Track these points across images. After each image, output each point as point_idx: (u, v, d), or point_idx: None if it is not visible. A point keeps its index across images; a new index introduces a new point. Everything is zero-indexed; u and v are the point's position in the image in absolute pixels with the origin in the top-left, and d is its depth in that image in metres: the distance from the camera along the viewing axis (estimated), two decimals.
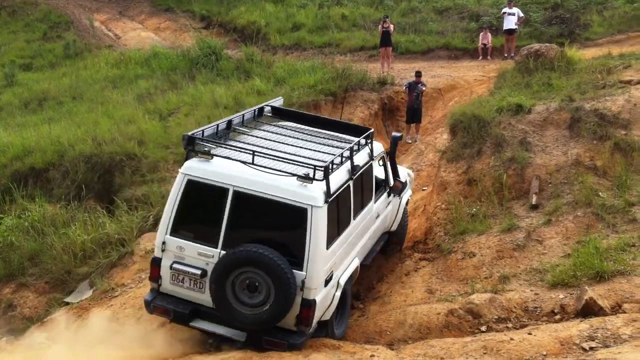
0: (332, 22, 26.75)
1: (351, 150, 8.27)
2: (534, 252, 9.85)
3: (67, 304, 10.86)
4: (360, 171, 8.59)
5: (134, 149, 14.30)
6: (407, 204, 11.33)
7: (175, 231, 7.70)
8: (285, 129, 9.33)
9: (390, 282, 10.39)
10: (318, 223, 7.30)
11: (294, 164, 7.58)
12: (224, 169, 7.61)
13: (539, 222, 10.39)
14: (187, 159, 7.84)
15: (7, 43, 27.91)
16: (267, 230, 7.61)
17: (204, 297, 7.63)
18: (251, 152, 7.52)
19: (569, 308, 8.34)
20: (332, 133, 9.47)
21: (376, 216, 9.61)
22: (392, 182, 10.31)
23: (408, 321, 8.73)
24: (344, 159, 8.04)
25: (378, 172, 9.83)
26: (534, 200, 10.90)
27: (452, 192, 11.80)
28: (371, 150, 9.30)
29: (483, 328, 8.39)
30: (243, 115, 9.20)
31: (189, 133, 7.83)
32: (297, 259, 7.32)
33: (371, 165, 9.27)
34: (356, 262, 8.61)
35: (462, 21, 25.30)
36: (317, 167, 7.34)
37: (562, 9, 23.57)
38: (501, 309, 8.63)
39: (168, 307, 7.77)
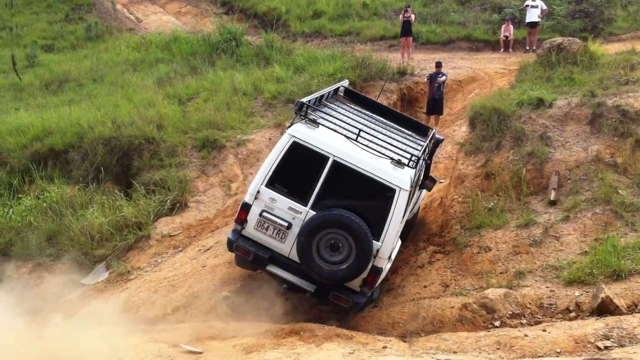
0: (353, 11, 26.58)
1: (426, 147, 9.45)
2: (551, 248, 9.78)
3: (83, 285, 10.97)
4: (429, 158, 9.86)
5: (152, 132, 14.38)
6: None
7: (271, 184, 8.45)
8: (360, 112, 10.36)
9: (404, 274, 10.38)
10: (401, 203, 8.25)
11: (386, 149, 8.51)
12: (328, 139, 8.44)
13: (556, 218, 10.32)
14: (292, 122, 8.73)
15: (29, 24, 28.06)
16: (355, 201, 8.35)
17: (283, 247, 8.47)
18: (356, 130, 8.46)
19: (585, 306, 8.29)
20: (399, 125, 10.53)
21: (413, 205, 10.41)
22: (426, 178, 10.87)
23: (421, 314, 8.74)
24: (423, 153, 9.10)
25: None
26: (552, 196, 10.81)
27: (470, 185, 11.73)
28: (430, 145, 10.16)
29: (497, 323, 8.38)
30: (329, 92, 10.18)
31: (303, 100, 8.68)
32: (376, 230, 8.20)
33: (431, 155, 10.42)
34: (399, 242, 9.40)
35: (484, 12, 25.01)
36: (412, 157, 8.35)
37: (586, 2, 23.19)
38: (516, 305, 8.61)
39: (249, 249, 8.53)
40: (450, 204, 11.73)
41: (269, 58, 19.60)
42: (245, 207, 8.56)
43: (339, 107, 10.04)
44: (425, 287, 9.80)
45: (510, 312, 8.49)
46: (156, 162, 13.84)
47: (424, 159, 9.48)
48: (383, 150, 8.46)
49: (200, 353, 7.49)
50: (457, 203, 11.57)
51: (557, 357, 6.93)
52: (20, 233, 12.07)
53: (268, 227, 8.48)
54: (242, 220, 8.60)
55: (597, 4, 22.77)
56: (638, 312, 7.88)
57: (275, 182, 8.47)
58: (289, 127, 8.67)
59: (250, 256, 8.59)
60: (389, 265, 8.85)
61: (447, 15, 24.97)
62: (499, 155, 11.87)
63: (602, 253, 9.02)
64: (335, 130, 8.57)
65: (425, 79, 16.81)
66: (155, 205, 12.50)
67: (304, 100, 8.70)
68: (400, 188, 8.23)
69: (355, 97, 11.23)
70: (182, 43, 21.94)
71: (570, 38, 15.82)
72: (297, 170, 8.48)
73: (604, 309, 7.99)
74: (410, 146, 9.30)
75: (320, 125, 8.57)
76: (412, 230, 11.57)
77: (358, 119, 9.73)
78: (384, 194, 8.25)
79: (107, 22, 27.42)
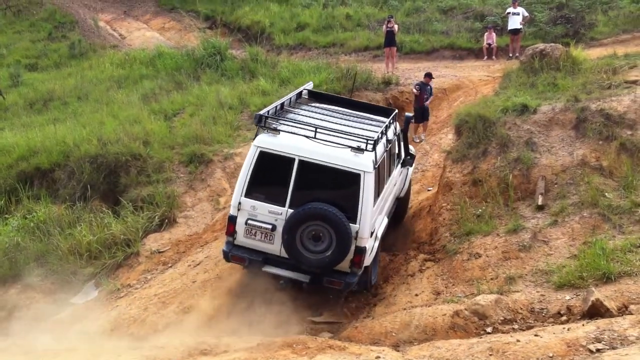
0: (337, 22, 26.73)
1: (386, 127, 10.11)
2: (540, 253, 9.82)
3: (73, 304, 10.88)
4: (390, 144, 10.39)
5: (139, 149, 14.34)
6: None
7: (249, 193, 9.15)
8: (324, 109, 10.95)
9: (395, 283, 10.37)
10: (368, 185, 8.93)
11: (344, 139, 9.14)
12: (290, 142, 9.12)
13: (545, 223, 10.37)
14: (257, 134, 9.28)
15: (13, 43, 27.98)
16: (326, 192, 9.10)
17: (273, 247, 9.20)
18: (313, 129, 9.10)
19: (576, 309, 8.32)
20: (363, 113, 11.21)
21: (394, 183, 11.16)
22: (403, 155, 11.78)
23: (414, 322, 8.71)
24: (382, 135, 9.69)
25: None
26: (539, 200, 10.87)
27: (458, 192, 11.77)
28: (396, 127, 10.96)
29: (489, 329, 8.38)
30: (290, 98, 10.80)
31: (260, 112, 9.35)
32: (351, 214, 8.89)
33: (397, 137, 11.05)
34: (386, 220, 10.33)
35: (467, 21, 25.24)
36: (368, 141, 8.97)
37: (567, 8, 23.49)
38: (507, 310, 8.62)
39: (244, 256, 9.29)
40: (438, 212, 11.76)
41: (254, 71, 19.64)
42: (232, 220, 9.25)
43: (301, 109, 10.64)
44: (416, 295, 9.80)
45: (502, 318, 8.49)
46: (143, 179, 13.79)
47: (387, 139, 10.17)
48: (343, 141, 9.08)
49: None
50: (445, 210, 11.60)
51: None
52: (8, 254, 11.95)
53: (255, 232, 9.20)
54: (231, 232, 9.30)
55: (578, 9, 23.07)
56: (629, 314, 7.90)
57: (252, 191, 9.15)
58: (254, 139, 9.27)
59: (246, 262, 9.33)
60: (376, 244, 9.58)
61: (430, 24, 25.18)
62: (486, 161, 11.93)
63: (591, 256, 9.06)
64: (295, 133, 9.20)
65: (415, 89, 16.79)
66: (144, 222, 12.44)
67: (261, 112, 9.38)
68: (364, 172, 8.91)
69: (320, 97, 11.96)
70: (166, 58, 21.96)
71: (553, 44, 15.96)
72: (270, 176, 9.21)
73: (595, 311, 8.02)
74: (371, 130, 9.89)
75: (281, 132, 9.23)
76: (406, 209, 12.44)
77: (319, 116, 10.29)
78: (350, 180, 8.93)
79: (90, 40, 27.39)
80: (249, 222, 9.15)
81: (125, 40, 29.27)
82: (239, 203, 9.17)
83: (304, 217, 8.84)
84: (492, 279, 9.58)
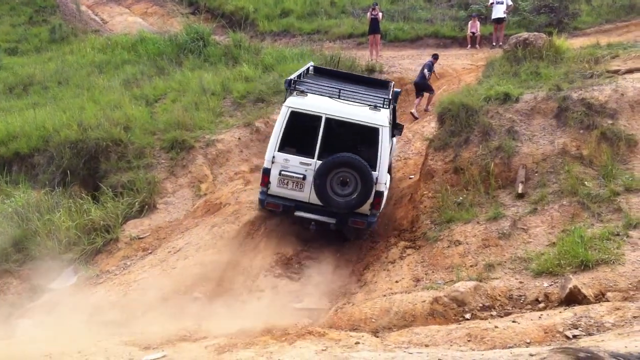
0: (321, 9, 26.61)
1: (391, 94, 11.57)
2: (519, 240, 9.88)
3: (52, 290, 10.79)
4: (393, 109, 11.72)
5: (119, 134, 14.23)
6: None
7: (282, 148, 10.38)
8: (332, 79, 12.26)
9: (375, 269, 10.39)
10: (385, 138, 10.28)
11: (363, 100, 10.61)
12: (317, 102, 10.44)
13: (524, 211, 10.42)
14: (286, 97, 10.67)
15: None
16: (349, 144, 10.36)
17: (303, 195, 10.50)
18: (337, 91, 10.63)
19: (553, 296, 8.38)
20: (365, 84, 12.51)
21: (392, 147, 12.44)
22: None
23: (393, 309, 8.73)
24: (389, 99, 10.91)
25: None
26: (520, 189, 10.92)
27: (439, 180, 11.80)
28: (394, 96, 11.90)
29: (467, 316, 8.42)
30: (303, 71, 12.22)
31: (290, 77, 10.85)
32: (372, 163, 10.20)
33: (394, 107, 12.16)
34: (389, 177, 11.27)
35: (451, 9, 25.25)
36: (384, 100, 10.60)
37: None
38: (486, 297, 8.67)
39: (278, 202, 10.54)
40: (420, 200, 11.79)
41: (237, 57, 19.52)
42: (266, 172, 10.49)
43: (315, 80, 11.92)
44: (396, 282, 9.82)
45: (480, 305, 8.53)
46: (124, 164, 13.69)
47: (392, 103, 11.35)
48: (360, 101, 10.55)
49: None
50: (427, 198, 11.63)
51: (527, 347, 6.97)
52: None
53: (287, 182, 10.46)
54: (266, 182, 10.51)
55: None
56: (605, 301, 7.97)
57: (285, 146, 10.39)
58: (284, 102, 10.60)
59: (280, 208, 10.58)
60: (386, 192, 10.87)
61: (415, 12, 25.15)
62: (468, 150, 11.96)
63: (569, 244, 9.12)
64: (320, 95, 10.61)
65: (427, 71, 17.21)
66: (124, 208, 12.36)
67: (290, 77, 10.84)
68: (382, 126, 10.27)
69: (323, 72, 13.35)
70: (148, 44, 21.74)
71: (536, 33, 16.02)
72: (300, 133, 10.35)
73: (572, 298, 8.08)
74: (378, 96, 11.11)
75: (308, 94, 10.53)
76: (391, 177, 12.89)
77: (334, 84, 11.50)
78: (370, 133, 10.26)
79: (71, 24, 27.05)
80: (282, 173, 10.39)
81: (107, 25, 28.94)
82: (273, 157, 10.39)
83: (334, 164, 10.11)
84: (471, 266, 9.63)
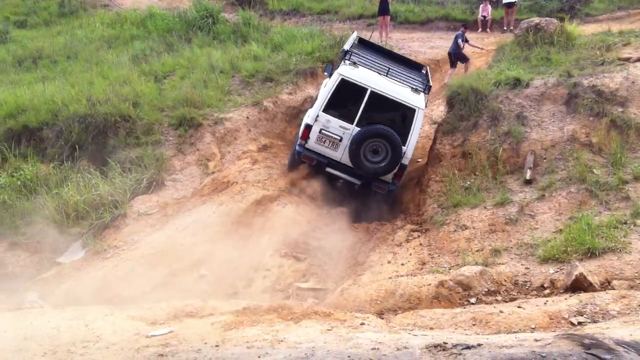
0: None
1: (428, 79, 12.57)
2: (526, 226, 9.90)
3: (59, 264, 10.87)
4: None
5: (128, 110, 14.22)
6: None
7: (327, 110, 11.49)
8: (375, 55, 13.01)
9: (382, 252, 10.43)
10: (419, 119, 11.36)
11: (405, 81, 11.69)
12: (366, 75, 11.47)
13: (532, 197, 10.43)
14: (339, 65, 11.71)
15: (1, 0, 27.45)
16: (387, 119, 11.42)
17: (336, 154, 11.62)
18: (385, 68, 11.73)
19: (559, 283, 8.41)
20: (403, 64, 13.33)
21: None
22: None
23: (399, 291, 8.78)
24: (429, 85, 12.07)
25: None
26: (528, 175, 10.92)
27: (447, 164, 11.81)
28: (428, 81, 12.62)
29: (473, 300, 8.46)
30: (354, 42, 13.33)
31: (345, 48, 12.11)
32: (403, 138, 11.28)
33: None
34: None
35: None
36: (426, 85, 11.77)
37: None
38: (491, 282, 8.70)
39: (313, 156, 11.67)
40: (427, 183, 11.81)
41: (246, 36, 19.39)
42: (308, 127, 11.58)
43: (362, 52, 12.66)
44: (402, 265, 9.86)
45: (485, 289, 8.58)
46: (132, 140, 13.70)
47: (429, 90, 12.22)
48: (404, 82, 11.58)
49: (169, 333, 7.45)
50: (434, 182, 11.64)
51: (532, 332, 7.02)
52: None
53: (325, 140, 11.56)
54: (306, 136, 11.59)
55: None
56: (611, 289, 8.01)
57: (330, 108, 11.48)
58: (337, 68, 11.70)
59: (314, 162, 11.70)
60: (409, 166, 11.85)
61: None
62: (476, 134, 11.94)
63: (576, 231, 9.14)
64: (370, 69, 11.66)
65: (461, 42, 17.70)
66: (132, 184, 12.39)
67: (345, 48, 12.13)
68: (419, 108, 11.31)
69: (367, 44, 14.05)
70: (157, 20, 21.60)
71: (548, 18, 15.91)
72: (345, 99, 11.41)
73: (578, 285, 8.11)
74: (416, 79, 12.12)
75: (359, 66, 11.55)
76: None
77: (380, 60, 12.46)
78: (408, 112, 11.34)
79: None
80: (322, 131, 11.49)
81: (116, 0, 28.79)
82: (317, 116, 11.51)
83: (372, 134, 11.24)
84: (477, 250, 9.65)
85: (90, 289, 9.61)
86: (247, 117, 14.68)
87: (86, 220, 11.68)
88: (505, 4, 22.01)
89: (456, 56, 17.82)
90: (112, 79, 16.15)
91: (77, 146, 13.42)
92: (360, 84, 11.32)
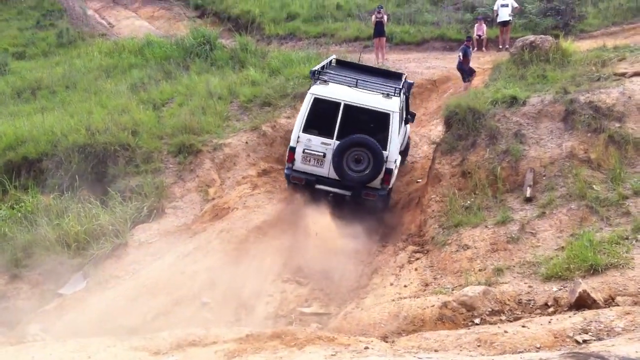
0: (327, 12, 26.63)
1: (403, 84, 12.86)
2: (528, 244, 9.87)
3: (61, 295, 10.83)
4: (406, 98, 13.17)
5: (127, 139, 14.27)
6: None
7: (306, 130, 11.78)
8: (350, 72, 13.25)
9: (384, 274, 10.40)
10: (395, 122, 11.60)
11: (375, 89, 11.92)
12: (337, 90, 11.80)
13: (532, 215, 10.41)
14: (311, 85, 12.04)
15: (0, 31, 27.67)
16: (364, 127, 11.58)
17: (323, 170, 11.86)
18: (354, 81, 11.91)
19: (563, 301, 8.37)
20: (380, 76, 13.66)
21: (404, 133, 13.73)
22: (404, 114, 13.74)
23: (402, 313, 8.74)
24: (401, 88, 12.27)
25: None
26: (528, 192, 10.91)
27: (447, 184, 11.81)
28: (406, 86, 13.24)
29: (477, 320, 8.42)
30: (327, 63, 13.63)
31: (314, 69, 12.37)
32: (383, 144, 11.51)
33: (407, 96, 13.44)
34: (399, 158, 12.63)
35: (457, 12, 25.21)
36: (395, 89, 11.86)
37: (557, 0, 23.50)
38: (495, 302, 8.66)
39: (302, 177, 11.89)
40: (428, 204, 11.79)
41: (244, 61, 19.52)
42: (292, 150, 11.90)
43: (335, 71, 13.07)
44: (405, 286, 9.83)
45: (489, 309, 8.53)
46: (132, 169, 13.74)
47: (403, 93, 12.52)
48: (375, 90, 11.86)
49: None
50: (434, 202, 11.64)
51: (537, 352, 6.98)
52: None
53: (310, 159, 11.84)
54: (292, 159, 11.91)
55: (568, 1, 23.05)
56: (615, 306, 7.96)
57: (308, 127, 11.77)
58: (309, 89, 11.98)
59: (303, 182, 11.90)
60: (396, 170, 12.12)
61: (421, 15, 25.12)
62: (475, 153, 11.96)
63: (578, 248, 9.10)
64: (340, 84, 11.91)
65: (461, 54, 17.83)
66: (132, 212, 12.39)
67: (314, 69, 12.36)
68: (392, 112, 11.58)
69: (344, 64, 14.56)
70: (155, 47, 21.78)
71: (543, 36, 15.97)
72: (321, 117, 11.70)
73: (582, 303, 8.07)
74: (391, 85, 12.26)
75: (330, 83, 11.89)
76: (406, 156, 14.68)
77: (352, 75, 12.58)
78: (382, 118, 11.59)
79: (78, 28, 27.15)
80: (305, 151, 11.79)
81: (114, 29, 29.06)
82: (298, 137, 11.80)
83: (350, 144, 11.45)
84: (480, 270, 9.62)
85: (92, 320, 9.56)
86: (246, 142, 14.72)
87: (87, 250, 11.66)
88: (499, 22, 22.16)
89: (459, 71, 18.00)
90: (110, 108, 16.24)
91: (77, 176, 13.44)
92: (332, 99, 11.68)
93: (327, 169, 11.81)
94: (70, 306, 10.28)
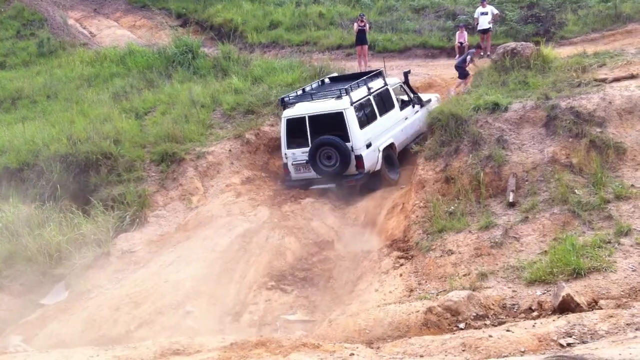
0: (310, 20, 26.64)
1: (362, 81, 14.24)
2: (512, 249, 9.90)
3: (43, 305, 10.71)
4: (377, 91, 14.38)
5: (109, 148, 14.21)
6: None
7: (288, 146, 13.78)
8: (334, 84, 15.05)
9: (369, 280, 10.38)
10: (351, 116, 13.24)
11: (329, 95, 13.71)
12: (300, 108, 13.69)
13: (516, 220, 10.46)
14: (283, 109, 13.92)
15: None
16: (328, 129, 13.23)
17: (312, 174, 13.63)
18: (309, 95, 13.88)
19: (546, 305, 8.39)
20: (363, 79, 14.63)
21: (405, 118, 15.04)
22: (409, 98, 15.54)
23: (387, 319, 8.72)
24: (359, 85, 13.98)
25: (402, 96, 15.57)
26: (511, 197, 10.97)
27: (430, 190, 11.84)
28: (384, 79, 14.87)
29: (461, 325, 8.41)
30: (311, 85, 15.36)
31: (283, 97, 14.13)
32: (346, 138, 13.20)
33: (387, 88, 14.75)
34: (390, 140, 14.14)
35: (439, 20, 25.32)
36: (344, 90, 13.36)
37: (538, 7, 23.67)
38: (479, 306, 8.67)
39: (297, 184, 13.80)
40: (412, 209, 11.81)
41: (227, 69, 19.51)
42: (285, 165, 14.01)
43: (324, 88, 14.89)
44: (390, 292, 9.81)
45: (474, 314, 8.54)
46: (114, 178, 13.67)
47: (367, 88, 14.10)
48: (329, 96, 13.62)
49: None
50: (418, 208, 11.65)
51: (522, 356, 6.98)
52: None
53: (300, 168, 13.79)
54: (287, 172, 14.01)
55: (548, 8, 23.28)
56: (598, 309, 7.99)
57: (290, 144, 13.74)
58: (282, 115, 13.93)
59: (300, 186, 13.68)
60: (379, 154, 13.63)
61: (403, 23, 25.21)
62: (458, 159, 12.01)
63: (561, 252, 9.15)
64: (302, 102, 13.81)
65: (468, 57, 18.49)
66: (115, 222, 12.32)
67: (282, 97, 14.16)
68: (345, 109, 13.20)
69: (338, 79, 16.00)
70: (137, 56, 21.70)
71: (524, 43, 16.10)
72: (296, 132, 13.58)
73: (565, 306, 8.09)
74: (342, 87, 13.62)
75: (295, 104, 13.78)
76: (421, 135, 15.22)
77: (323, 88, 14.77)
78: (338, 116, 13.26)
79: (59, 38, 26.93)
80: (293, 163, 13.79)
81: (95, 38, 28.89)
82: (285, 154, 13.84)
83: (315, 146, 13.24)
84: (464, 275, 9.63)
85: (75, 330, 9.48)
86: (230, 150, 14.68)
87: (69, 260, 11.56)
88: (479, 30, 22.32)
89: (457, 68, 18.47)
90: (92, 117, 16.17)
91: (58, 186, 13.36)
92: (298, 115, 13.58)
93: (314, 172, 13.55)
94: (52, 316, 10.17)
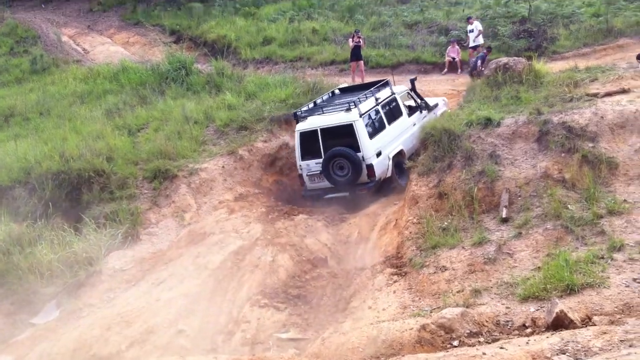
0: (303, 36, 26.76)
1: (370, 92, 14.76)
2: (505, 265, 9.86)
3: (34, 325, 10.61)
4: (384, 101, 14.89)
5: (102, 165, 14.16)
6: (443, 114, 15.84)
7: (303, 158, 14.35)
8: (342, 95, 15.86)
9: (362, 297, 10.31)
10: (361, 127, 13.74)
11: (339, 108, 14.20)
12: (312, 121, 14.24)
13: (509, 235, 10.43)
14: (297, 123, 14.48)
15: None
16: (339, 140, 13.81)
17: (325, 184, 14.14)
18: (321, 109, 14.46)
19: (540, 321, 8.35)
20: (371, 89, 15.16)
21: (413, 124, 15.37)
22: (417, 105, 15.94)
23: (381, 337, 8.64)
24: (367, 96, 14.49)
25: (409, 102, 15.95)
26: (504, 213, 10.95)
27: (424, 206, 11.82)
28: (391, 89, 15.40)
29: (455, 343, 8.35)
30: (322, 97, 15.90)
31: (296, 111, 14.76)
32: (357, 148, 13.68)
33: (394, 97, 15.24)
34: (400, 147, 14.62)
35: (432, 35, 25.45)
36: (353, 102, 13.84)
37: (530, 22, 23.81)
38: (473, 324, 8.61)
39: (313, 194, 14.37)
40: (405, 225, 11.78)
41: (220, 85, 19.50)
42: (300, 176, 14.56)
43: (329, 101, 15.45)
44: (383, 309, 9.75)
45: (468, 331, 8.48)
46: (106, 195, 13.61)
47: (375, 98, 14.59)
48: (339, 109, 14.14)
49: None
50: (411, 224, 11.62)
51: None
52: None
53: (314, 178, 14.35)
54: (303, 183, 14.55)
55: (540, 23, 23.41)
56: (592, 325, 7.96)
57: (304, 156, 14.30)
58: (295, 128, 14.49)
59: (315, 196, 14.24)
60: (390, 162, 14.19)
61: (396, 39, 25.32)
62: (451, 175, 12.01)
63: (554, 268, 9.11)
64: (314, 115, 14.33)
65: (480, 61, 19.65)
66: (107, 239, 12.23)
67: (296, 111, 14.76)
68: (354, 120, 13.69)
69: (346, 90, 16.58)
70: (130, 73, 21.70)
71: (516, 58, 16.20)
72: (309, 144, 14.13)
73: (559, 323, 8.05)
74: (351, 100, 14.10)
75: (307, 118, 14.31)
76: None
77: (333, 100, 15.40)
78: (348, 128, 13.76)
79: (53, 54, 26.97)
80: (308, 174, 14.35)
81: (88, 55, 28.92)
82: (300, 165, 14.41)
83: (328, 158, 13.75)
84: (458, 292, 9.58)
85: (66, 349, 9.38)
86: (223, 167, 14.66)
87: (61, 279, 11.46)
88: (470, 47, 22.49)
89: (472, 68, 20.16)
90: (85, 134, 16.12)
91: (50, 203, 13.29)
92: (310, 129, 14.09)
93: (327, 182, 14.09)
94: (43, 336, 10.07)
